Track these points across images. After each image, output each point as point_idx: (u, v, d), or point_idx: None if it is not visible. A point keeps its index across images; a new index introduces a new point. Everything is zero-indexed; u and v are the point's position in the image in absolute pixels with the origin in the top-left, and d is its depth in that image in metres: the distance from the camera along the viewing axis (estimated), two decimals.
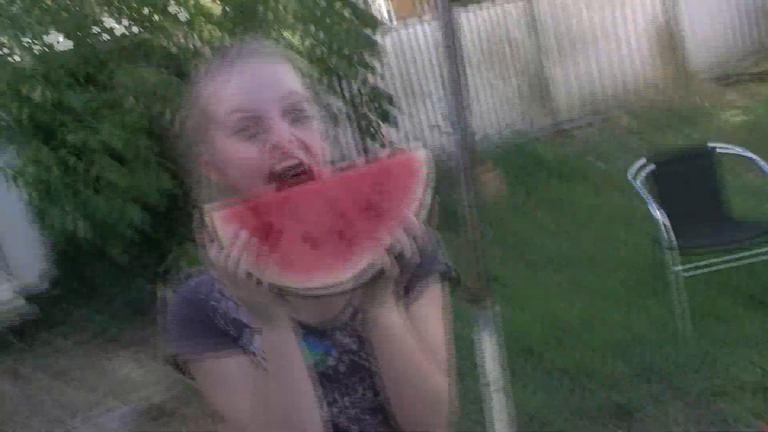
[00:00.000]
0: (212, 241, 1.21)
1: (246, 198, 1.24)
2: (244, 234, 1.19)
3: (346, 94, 8.55)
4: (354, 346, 1.43)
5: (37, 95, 6.19)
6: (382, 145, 9.03)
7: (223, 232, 1.20)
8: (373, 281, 1.23)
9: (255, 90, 1.34)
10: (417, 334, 1.39)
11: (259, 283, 1.20)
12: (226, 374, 1.38)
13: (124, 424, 5.44)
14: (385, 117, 8.04)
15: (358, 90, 8.09)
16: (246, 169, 1.33)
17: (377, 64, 7.79)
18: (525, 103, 11.41)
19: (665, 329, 4.68)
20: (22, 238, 8.32)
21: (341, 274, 1.21)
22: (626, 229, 6.53)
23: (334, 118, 7.95)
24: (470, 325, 2.96)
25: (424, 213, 1.23)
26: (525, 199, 8.05)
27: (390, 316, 1.31)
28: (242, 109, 1.33)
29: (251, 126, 1.32)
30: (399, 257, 1.21)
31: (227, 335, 1.40)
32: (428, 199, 1.23)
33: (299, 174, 1.31)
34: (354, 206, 1.22)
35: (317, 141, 1.36)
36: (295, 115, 1.35)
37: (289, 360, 1.30)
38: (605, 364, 4.45)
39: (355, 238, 1.22)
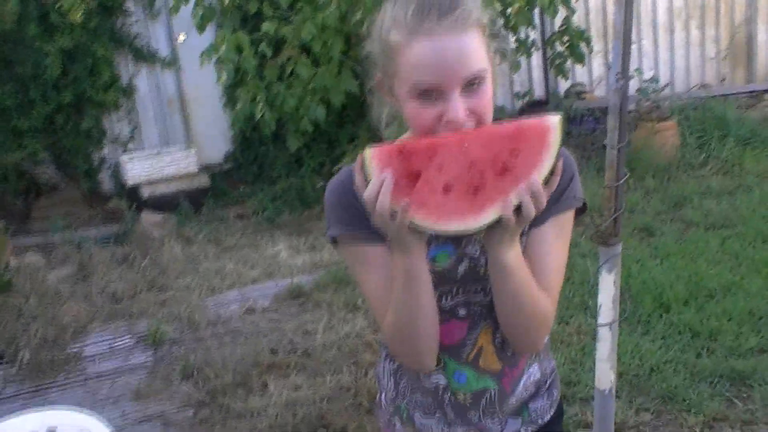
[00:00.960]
0: (364, 178, 1.39)
1: (398, 142, 1.41)
2: (389, 174, 1.36)
3: (538, 24, 8.54)
4: (476, 254, 1.63)
5: None
6: (566, 80, 9.00)
7: (374, 170, 1.38)
8: (496, 227, 1.41)
9: (441, 66, 1.43)
10: (533, 259, 1.57)
11: (398, 219, 1.37)
12: (369, 260, 1.61)
13: (267, 297, 5.84)
14: (576, 55, 7.97)
15: (552, 24, 8.04)
16: (418, 126, 1.50)
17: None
18: (724, 61, 10.99)
19: None
20: (210, 116, 8.90)
21: (471, 223, 1.38)
22: None
23: (527, 50, 7.96)
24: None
25: (548, 176, 1.37)
26: (698, 155, 7.89)
27: (507, 255, 1.47)
28: (427, 83, 1.44)
29: (431, 94, 1.45)
30: (520, 214, 1.37)
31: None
32: (554, 163, 1.37)
33: None
34: (490, 165, 1.37)
35: (489, 106, 1.49)
36: (472, 85, 1.45)
37: (416, 283, 1.50)
38: (736, 331, 4.45)
39: (487, 194, 1.37)
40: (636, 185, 7.25)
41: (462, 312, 1.67)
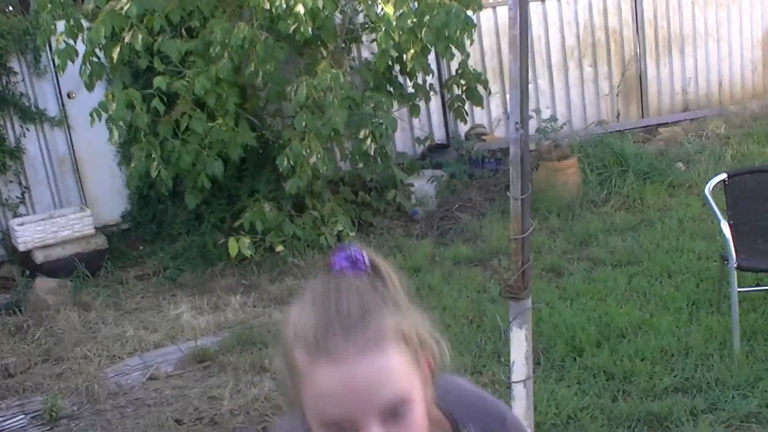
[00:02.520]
0: None
1: None
2: None
3: (434, 70, 8.57)
4: None
5: (138, 42, 6.35)
6: (465, 123, 9.04)
7: None
8: None
9: (351, 399, 1.17)
10: None
11: None
12: None
13: (170, 362, 5.60)
14: (474, 98, 7.98)
15: (449, 67, 8.08)
16: None
17: (468, 42, 7.75)
18: (617, 97, 11.23)
19: (716, 345, 4.63)
20: (105, 175, 8.63)
21: None
22: (695, 236, 6.47)
23: (425, 94, 7.95)
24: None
25: None
26: (600, 192, 7.98)
27: None
28: (336, 421, 1.18)
29: (343, 427, 1.19)
30: None
31: None
32: None
33: None
34: None
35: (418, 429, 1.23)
36: (395, 412, 1.19)
37: None
38: (650, 371, 4.43)
39: None
40: (541, 225, 7.27)
41: None
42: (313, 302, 1.23)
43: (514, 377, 2.64)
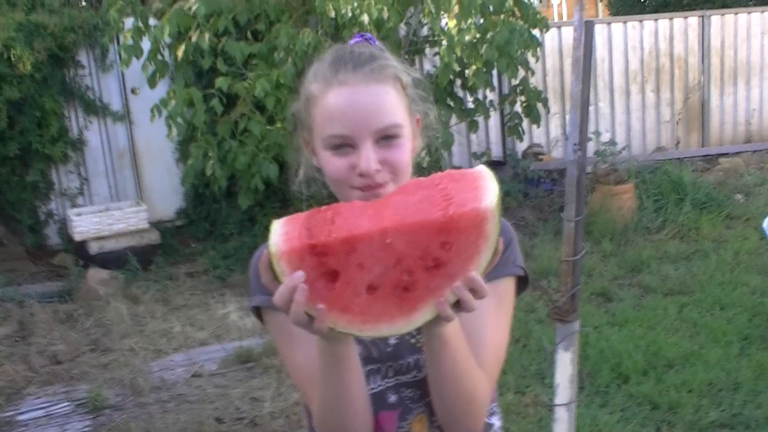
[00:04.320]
0: (272, 277, 1.23)
1: (311, 239, 1.23)
2: (301, 277, 1.20)
3: (496, 86, 8.55)
4: (414, 332, 1.49)
5: (205, 42, 6.42)
6: (521, 141, 8.99)
7: (285, 271, 1.21)
8: (432, 322, 1.25)
9: (353, 117, 1.42)
10: (468, 332, 1.42)
11: (316, 325, 1.22)
12: (295, 334, 1.44)
13: (214, 361, 5.64)
14: (533, 116, 7.92)
15: (510, 84, 8.04)
16: (333, 179, 1.46)
17: (533, 61, 7.71)
18: (679, 124, 11.11)
19: (767, 382, 4.53)
20: (162, 171, 8.75)
21: (402, 325, 1.22)
22: (751, 270, 6.35)
23: (484, 110, 7.93)
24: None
25: (487, 265, 1.22)
26: (654, 219, 7.88)
27: (444, 331, 1.33)
28: (338, 134, 1.43)
29: (344, 146, 1.43)
30: (459, 308, 1.22)
31: None
32: (493, 250, 1.21)
33: (376, 187, 1.43)
34: (420, 262, 1.21)
35: (405, 162, 1.47)
36: (387, 139, 1.44)
37: (345, 370, 1.36)
38: (696, 404, 4.35)
39: (418, 292, 1.21)
40: (593, 249, 7.19)
41: (392, 398, 1.53)
42: (331, 52, 1.51)
43: (558, 400, 2.61)
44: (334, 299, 1.21)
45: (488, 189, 1.23)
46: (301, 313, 1.20)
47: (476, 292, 1.21)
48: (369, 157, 1.41)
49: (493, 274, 1.36)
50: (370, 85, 1.44)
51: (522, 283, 1.59)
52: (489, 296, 1.33)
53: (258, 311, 1.56)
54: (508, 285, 1.55)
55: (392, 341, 1.52)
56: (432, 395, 1.47)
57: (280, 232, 1.24)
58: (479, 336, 1.46)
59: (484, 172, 1.26)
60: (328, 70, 1.46)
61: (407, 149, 1.47)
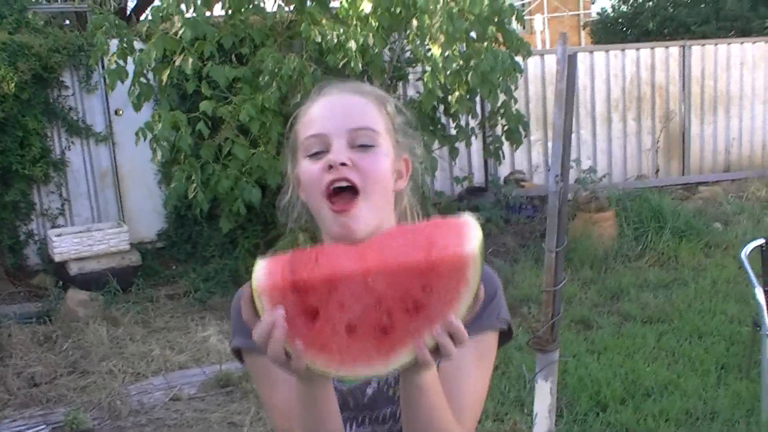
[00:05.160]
0: (254, 313, 1.23)
1: (294, 276, 1.24)
2: (281, 313, 1.20)
3: (479, 112, 8.59)
4: (391, 379, 1.49)
5: (188, 67, 6.43)
6: (500, 163, 9.02)
7: (266, 307, 1.22)
8: (410, 367, 1.25)
9: (327, 117, 1.45)
10: (448, 384, 1.41)
11: (293, 364, 1.22)
12: (274, 375, 1.44)
13: (193, 385, 5.61)
14: (514, 139, 7.92)
15: (490, 108, 8.07)
16: (308, 185, 1.44)
17: (513, 87, 7.76)
18: (659, 152, 11.20)
19: (743, 411, 4.56)
20: (144, 193, 8.73)
21: (379, 368, 1.22)
22: (729, 299, 6.40)
23: (467, 137, 7.96)
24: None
25: (468, 310, 1.22)
26: (635, 247, 7.94)
27: (421, 375, 1.31)
28: (313, 134, 1.44)
29: (318, 148, 1.43)
30: (437, 353, 1.22)
31: None
32: (474, 296, 1.22)
33: (345, 189, 1.40)
34: (400, 304, 1.22)
35: (379, 172, 1.44)
36: (362, 145, 1.43)
37: (322, 411, 1.35)
38: None
39: (397, 335, 1.21)
40: (573, 276, 7.23)
41: None
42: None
43: (536, 429, 2.62)
44: (312, 338, 1.21)
45: (471, 236, 1.23)
46: (279, 349, 1.20)
47: (455, 338, 1.21)
48: (339, 149, 1.41)
49: (476, 326, 1.36)
50: (353, 95, 1.48)
51: (505, 336, 1.57)
52: (471, 348, 1.35)
53: (239, 353, 1.55)
54: (491, 339, 1.53)
55: (369, 392, 1.51)
56: None
57: (263, 269, 1.25)
58: (459, 388, 1.45)
59: (468, 220, 1.27)
60: (314, 92, 1.52)
61: (383, 162, 1.45)
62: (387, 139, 1.48)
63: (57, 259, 7.87)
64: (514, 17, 7.40)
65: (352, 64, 6.45)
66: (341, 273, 1.24)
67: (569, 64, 2.64)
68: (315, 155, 1.43)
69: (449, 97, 7.38)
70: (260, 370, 1.50)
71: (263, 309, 1.22)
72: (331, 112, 1.45)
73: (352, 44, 6.39)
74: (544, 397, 2.64)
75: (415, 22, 6.75)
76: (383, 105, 1.51)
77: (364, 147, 1.43)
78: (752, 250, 4.92)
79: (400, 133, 1.54)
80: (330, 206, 1.41)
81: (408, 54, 7.93)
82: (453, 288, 1.21)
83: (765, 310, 4.56)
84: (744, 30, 14.31)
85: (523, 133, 8.01)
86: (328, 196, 1.41)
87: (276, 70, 6.41)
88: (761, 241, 5.00)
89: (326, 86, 1.51)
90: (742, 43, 11.74)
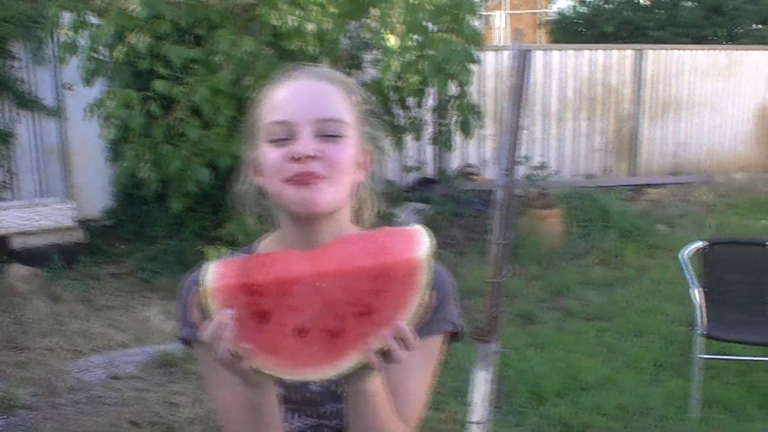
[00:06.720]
0: (203, 316, 1.23)
1: (246, 278, 1.25)
2: (230, 316, 1.20)
3: (431, 100, 8.61)
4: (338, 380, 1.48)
5: (142, 45, 6.35)
6: (449, 151, 9.02)
7: (214, 307, 1.22)
8: (358, 371, 1.26)
9: (295, 104, 1.41)
10: (394, 384, 1.42)
11: (241, 366, 1.22)
12: (221, 372, 1.38)
13: (133, 364, 5.58)
14: (466, 129, 7.92)
15: (442, 98, 8.05)
16: (270, 172, 1.41)
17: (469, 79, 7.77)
18: (609, 153, 11.35)
19: (675, 408, 4.67)
20: (93, 170, 8.63)
21: (328, 371, 1.23)
22: (669, 299, 6.52)
23: (416, 127, 7.98)
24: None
25: (418, 315, 1.23)
26: (580, 245, 8.04)
27: (370, 386, 1.33)
28: (278, 121, 1.41)
29: (283, 135, 1.40)
30: (386, 358, 1.23)
31: None
32: (423, 303, 1.23)
33: (309, 177, 1.38)
34: (351, 308, 1.23)
35: (345, 160, 1.42)
36: (328, 134, 1.40)
37: (264, 418, 1.36)
38: (608, 427, 4.45)
39: (346, 339, 1.23)
40: (519, 271, 7.30)
41: None
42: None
43: (472, 418, 2.65)
44: (262, 340, 1.22)
45: (422, 243, 1.26)
46: (226, 351, 1.20)
47: (404, 343, 1.22)
48: (306, 141, 1.38)
49: (426, 330, 1.37)
50: (320, 81, 1.44)
51: (455, 336, 1.57)
52: (418, 352, 1.34)
53: (186, 341, 1.53)
54: (438, 341, 1.52)
55: (315, 388, 1.50)
56: None
57: (214, 271, 1.25)
58: (405, 391, 1.46)
59: (420, 229, 1.29)
60: (281, 82, 1.46)
61: (349, 152, 1.43)
62: (354, 130, 1.46)
63: (0, 232, 7.75)
64: (472, 11, 7.43)
65: (310, 49, 6.43)
66: (294, 276, 1.25)
67: (523, 60, 2.68)
68: (279, 141, 1.40)
69: (401, 84, 7.39)
70: (209, 364, 1.44)
71: (213, 310, 1.22)
72: (298, 99, 1.41)
73: (310, 27, 6.36)
74: (481, 386, 2.67)
75: (374, 11, 6.75)
76: (351, 94, 1.49)
77: (331, 137, 1.41)
78: (693, 252, 5.04)
79: (366, 124, 1.52)
80: (293, 192, 1.39)
81: (364, 41, 7.92)
82: (403, 293, 1.23)
83: (700, 310, 4.68)
84: (698, 38, 14.54)
85: (476, 123, 8.02)
86: (290, 181, 1.40)
87: (230, 52, 6.38)
88: (702, 243, 5.12)
89: (295, 70, 1.47)
90: (694, 50, 11.94)
